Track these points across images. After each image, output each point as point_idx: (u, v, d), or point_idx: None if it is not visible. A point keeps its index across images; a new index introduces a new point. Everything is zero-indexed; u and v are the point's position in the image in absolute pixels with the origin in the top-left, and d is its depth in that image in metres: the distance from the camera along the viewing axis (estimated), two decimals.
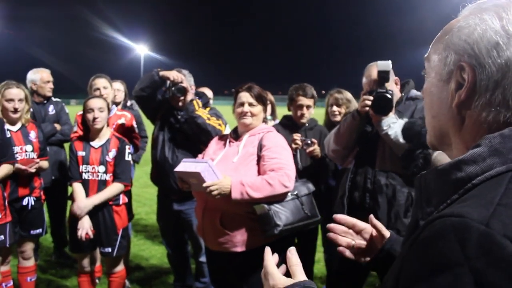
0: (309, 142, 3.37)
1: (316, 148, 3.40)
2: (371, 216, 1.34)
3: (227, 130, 3.55)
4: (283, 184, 2.56)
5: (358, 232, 1.35)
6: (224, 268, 2.85)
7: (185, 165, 2.66)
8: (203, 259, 3.76)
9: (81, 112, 3.74)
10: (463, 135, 0.81)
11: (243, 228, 2.62)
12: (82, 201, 3.26)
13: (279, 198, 2.62)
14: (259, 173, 2.67)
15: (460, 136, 0.82)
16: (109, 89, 4.12)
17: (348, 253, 1.33)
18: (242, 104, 2.82)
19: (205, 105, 3.77)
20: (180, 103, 3.58)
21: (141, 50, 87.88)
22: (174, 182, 3.53)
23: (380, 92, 2.58)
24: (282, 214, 2.59)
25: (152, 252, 5.14)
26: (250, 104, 2.81)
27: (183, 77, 3.57)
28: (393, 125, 2.59)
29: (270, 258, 1.17)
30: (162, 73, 3.54)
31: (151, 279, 4.40)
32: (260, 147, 2.72)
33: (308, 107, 3.54)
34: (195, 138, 3.57)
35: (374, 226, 1.32)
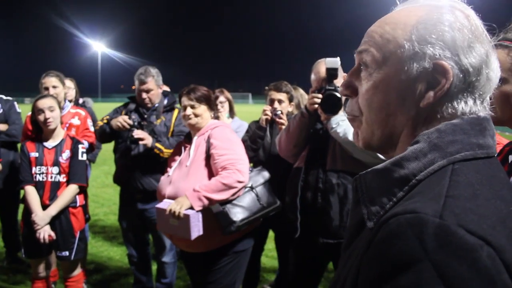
0: (278, 112, 3.37)
1: (285, 121, 3.38)
2: None
3: None
4: (238, 181, 2.59)
5: None
6: (194, 267, 2.88)
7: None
8: (165, 259, 3.71)
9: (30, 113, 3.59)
10: (418, 135, 0.78)
11: (206, 230, 2.59)
12: (39, 213, 3.11)
13: (238, 195, 2.66)
14: (210, 172, 2.68)
15: (414, 136, 0.79)
16: (59, 88, 3.97)
17: None
18: (184, 108, 2.88)
19: (172, 105, 3.75)
20: (149, 105, 3.66)
21: (98, 47, 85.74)
22: (139, 181, 3.52)
23: (329, 90, 2.54)
24: (237, 210, 2.61)
25: (111, 254, 5.01)
26: (192, 106, 2.84)
27: (130, 122, 3.45)
28: (342, 123, 2.54)
29: None
30: (111, 123, 3.52)
31: (110, 282, 4.28)
32: (209, 146, 2.73)
33: (280, 101, 3.52)
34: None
35: None
